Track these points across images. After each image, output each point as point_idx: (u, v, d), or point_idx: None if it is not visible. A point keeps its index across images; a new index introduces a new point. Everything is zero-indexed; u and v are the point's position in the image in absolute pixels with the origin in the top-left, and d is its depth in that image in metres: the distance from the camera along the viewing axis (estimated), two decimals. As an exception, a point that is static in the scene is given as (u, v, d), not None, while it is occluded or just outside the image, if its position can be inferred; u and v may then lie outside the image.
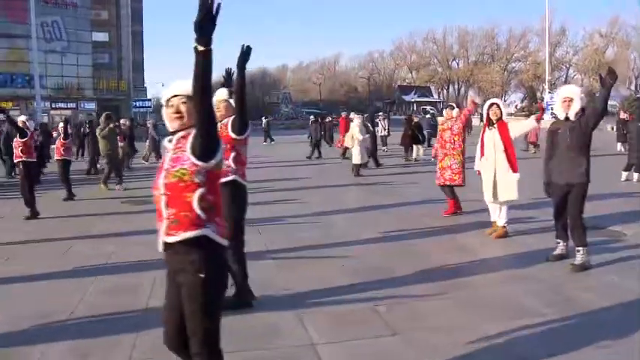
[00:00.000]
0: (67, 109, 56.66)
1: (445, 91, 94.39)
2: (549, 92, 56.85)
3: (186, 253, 2.90)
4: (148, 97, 72.23)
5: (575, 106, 6.37)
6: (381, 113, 28.61)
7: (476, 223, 8.91)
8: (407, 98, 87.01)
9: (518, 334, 4.57)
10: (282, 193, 13.18)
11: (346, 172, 16.98)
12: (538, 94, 64.02)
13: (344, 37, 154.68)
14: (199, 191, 2.88)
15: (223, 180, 4.81)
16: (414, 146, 21.25)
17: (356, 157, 16.37)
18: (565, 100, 6.45)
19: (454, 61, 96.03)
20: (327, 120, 31.61)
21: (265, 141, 34.27)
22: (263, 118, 40.04)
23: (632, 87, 74.35)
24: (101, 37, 66.13)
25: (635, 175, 13.81)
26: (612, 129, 26.10)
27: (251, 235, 8.20)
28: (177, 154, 2.95)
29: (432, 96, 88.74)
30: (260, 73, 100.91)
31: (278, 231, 8.89)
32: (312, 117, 28.55)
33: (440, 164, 9.98)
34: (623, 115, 23.11)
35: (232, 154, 5.08)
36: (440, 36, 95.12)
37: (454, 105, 10.51)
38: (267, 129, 35.75)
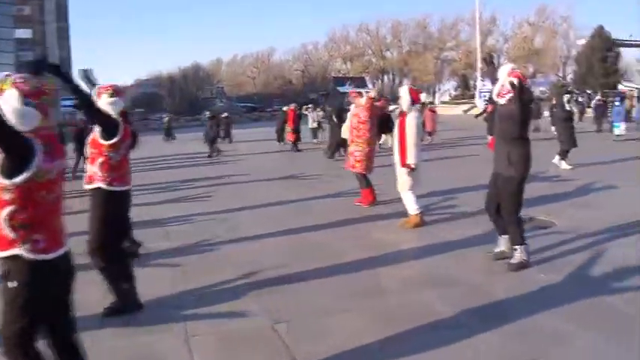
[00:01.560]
0: (-12, 109, 54.32)
1: (380, 81, 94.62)
2: (482, 80, 57.56)
3: (3, 264, 2.79)
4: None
5: (495, 88, 5.82)
6: (310, 105, 28.06)
7: (395, 213, 8.46)
8: (342, 89, 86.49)
9: (432, 351, 4.03)
10: (191, 191, 12.49)
11: (265, 167, 16.37)
12: (471, 82, 64.70)
13: (277, 28, 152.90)
14: (8, 209, 2.69)
15: (88, 187, 4.76)
16: (383, 135, 20.46)
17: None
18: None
19: (388, 52, 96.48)
20: (224, 116, 30.18)
21: (165, 138, 33.02)
22: (163, 115, 38.70)
23: (560, 73, 76.14)
24: (24, 33, 63.75)
25: (561, 162, 13.56)
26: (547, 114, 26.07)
27: (157, 241, 7.50)
28: None
29: (367, 86, 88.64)
30: (193, 68, 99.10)
31: (183, 232, 8.15)
32: (207, 113, 27.90)
33: (348, 149, 9.81)
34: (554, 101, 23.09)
35: (99, 160, 4.80)
36: (373, 27, 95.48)
37: (362, 92, 10.09)
38: (169, 126, 34.55)
